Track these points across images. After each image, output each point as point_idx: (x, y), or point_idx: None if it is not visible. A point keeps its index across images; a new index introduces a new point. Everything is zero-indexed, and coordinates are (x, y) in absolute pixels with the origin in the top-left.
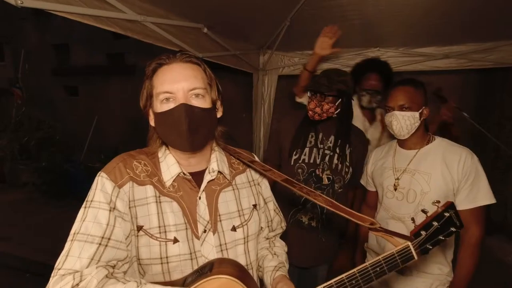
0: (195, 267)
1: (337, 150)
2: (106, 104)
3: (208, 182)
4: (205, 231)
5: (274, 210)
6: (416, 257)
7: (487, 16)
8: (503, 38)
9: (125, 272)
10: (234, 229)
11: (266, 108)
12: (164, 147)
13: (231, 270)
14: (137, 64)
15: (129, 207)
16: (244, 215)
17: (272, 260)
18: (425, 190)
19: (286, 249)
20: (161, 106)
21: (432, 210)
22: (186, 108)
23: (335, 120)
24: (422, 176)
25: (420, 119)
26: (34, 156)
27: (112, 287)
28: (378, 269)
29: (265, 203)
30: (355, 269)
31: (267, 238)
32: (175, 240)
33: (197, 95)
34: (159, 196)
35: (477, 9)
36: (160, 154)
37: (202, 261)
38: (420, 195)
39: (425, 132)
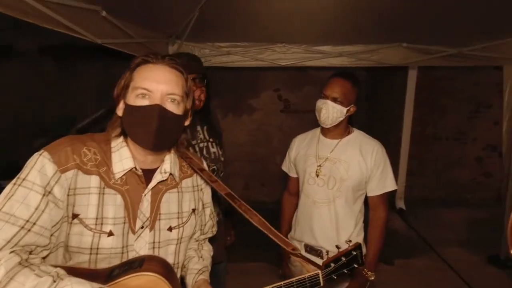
0: (124, 260)
1: (209, 137)
2: None
3: (158, 182)
4: (142, 227)
5: (210, 216)
6: (321, 284)
7: (371, 21)
8: (382, 42)
9: (44, 258)
10: (170, 229)
11: None
12: (121, 138)
13: (160, 269)
14: (15, 43)
15: (68, 195)
16: (183, 217)
17: (198, 263)
18: (343, 177)
19: (212, 253)
20: (135, 100)
21: (344, 246)
22: (160, 110)
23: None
24: (342, 165)
25: (345, 115)
26: None
27: (23, 278)
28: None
29: (203, 208)
30: (269, 287)
31: (197, 240)
32: (110, 233)
33: (173, 100)
34: (104, 188)
35: (364, 15)
36: (113, 144)
37: (132, 255)
38: (339, 182)
39: (347, 125)
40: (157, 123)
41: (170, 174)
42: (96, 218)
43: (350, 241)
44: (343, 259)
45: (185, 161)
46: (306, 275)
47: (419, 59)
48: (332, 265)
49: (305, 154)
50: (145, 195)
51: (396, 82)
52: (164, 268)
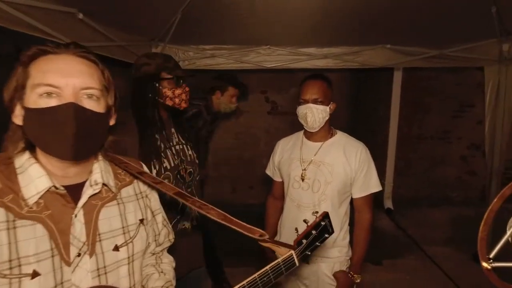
0: None
1: (183, 140)
2: None
3: (89, 197)
4: (79, 254)
5: (162, 223)
6: (297, 264)
7: (355, 23)
8: (365, 44)
9: None
10: (116, 248)
11: None
12: (26, 154)
13: None
14: None
15: None
16: (130, 231)
17: (159, 279)
18: (328, 180)
19: (174, 264)
20: (38, 101)
21: (311, 219)
22: (76, 109)
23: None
24: (326, 167)
25: (329, 113)
26: None
27: None
28: (265, 278)
29: (153, 216)
30: (244, 282)
31: (154, 254)
32: (35, 274)
33: (90, 96)
34: (14, 221)
35: (347, 17)
36: (17, 164)
37: None
38: (324, 185)
39: (330, 126)
40: (74, 126)
41: (104, 185)
42: (10, 261)
43: (316, 212)
44: (314, 232)
45: (120, 167)
46: (280, 260)
47: (403, 60)
48: (304, 241)
49: (289, 157)
50: (75, 216)
51: (380, 83)
52: None
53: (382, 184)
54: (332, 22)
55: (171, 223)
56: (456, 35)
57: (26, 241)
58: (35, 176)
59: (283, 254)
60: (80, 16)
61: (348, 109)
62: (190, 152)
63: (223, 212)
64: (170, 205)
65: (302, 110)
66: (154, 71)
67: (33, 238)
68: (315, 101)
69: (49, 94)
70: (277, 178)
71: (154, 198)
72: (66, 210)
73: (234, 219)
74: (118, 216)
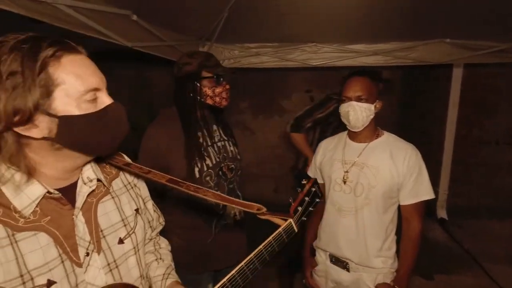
0: None
1: (225, 136)
2: None
3: (88, 194)
4: (87, 254)
5: (153, 209)
6: (296, 230)
7: (408, 16)
8: (420, 39)
9: None
10: (121, 241)
11: None
12: (3, 165)
13: None
14: None
15: None
16: (129, 223)
17: (159, 267)
18: (372, 184)
19: (169, 247)
20: (81, 106)
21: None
22: (123, 107)
23: (209, 108)
24: (370, 170)
25: (374, 112)
26: None
27: None
28: (269, 248)
29: (144, 204)
30: (251, 254)
31: (150, 239)
32: (50, 283)
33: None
34: (13, 235)
35: (399, 10)
36: None
37: None
38: (367, 189)
39: (375, 127)
40: (127, 122)
41: (99, 180)
42: (21, 276)
43: (304, 180)
44: (306, 198)
45: (104, 161)
46: (280, 229)
47: (465, 55)
48: (299, 208)
49: (331, 158)
50: (76, 217)
51: (437, 81)
52: None
53: (436, 191)
54: (382, 15)
55: (212, 224)
56: None
57: (31, 253)
58: (22, 185)
59: (281, 224)
60: (134, 17)
61: (398, 109)
62: (231, 148)
63: (219, 193)
64: (211, 208)
65: (344, 108)
66: (194, 70)
67: (39, 248)
68: (358, 99)
69: (94, 99)
70: (319, 180)
71: (142, 187)
72: (64, 212)
73: (231, 198)
74: (115, 210)
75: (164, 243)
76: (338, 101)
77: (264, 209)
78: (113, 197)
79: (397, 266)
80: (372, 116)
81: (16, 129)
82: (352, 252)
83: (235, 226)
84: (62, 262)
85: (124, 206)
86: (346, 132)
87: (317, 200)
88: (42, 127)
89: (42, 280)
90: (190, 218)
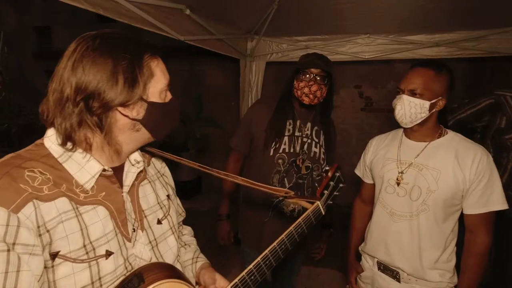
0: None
1: (315, 137)
2: None
3: (137, 174)
4: (134, 230)
5: (175, 196)
6: (323, 212)
7: (477, 3)
8: (492, 26)
9: None
10: (159, 222)
11: (253, 95)
12: (68, 144)
13: (166, 272)
14: None
15: (39, 234)
16: (165, 206)
17: (187, 252)
18: (432, 188)
19: (192, 233)
20: (162, 96)
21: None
22: (180, 101)
23: (312, 106)
24: (431, 173)
25: (430, 111)
26: (15, 144)
27: None
28: (299, 230)
29: (172, 191)
30: (283, 235)
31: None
32: (108, 254)
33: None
34: (77, 208)
35: None
36: (56, 154)
37: (137, 264)
38: (425, 193)
39: (438, 124)
40: (179, 115)
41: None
42: (85, 246)
43: (327, 166)
44: (331, 183)
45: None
46: (309, 211)
47: None
48: (325, 192)
49: (384, 157)
50: (125, 194)
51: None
52: (169, 270)
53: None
54: (446, 2)
55: (270, 205)
56: None
57: (93, 225)
58: (82, 162)
59: (309, 206)
60: (187, 12)
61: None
62: (316, 150)
63: (248, 180)
64: (260, 205)
65: (395, 100)
66: (297, 64)
67: (99, 220)
68: (411, 93)
69: (166, 91)
70: (368, 180)
71: (170, 176)
72: (115, 189)
73: (260, 183)
74: (152, 193)
75: (186, 230)
76: (497, 96)
77: (292, 193)
78: (149, 182)
79: (456, 281)
80: (425, 115)
81: (120, 109)
82: (404, 261)
83: (289, 218)
84: (116, 235)
85: (159, 191)
86: (402, 129)
87: (341, 185)
88: (135, 109)
89: (102, 251)
90: (253, 196)
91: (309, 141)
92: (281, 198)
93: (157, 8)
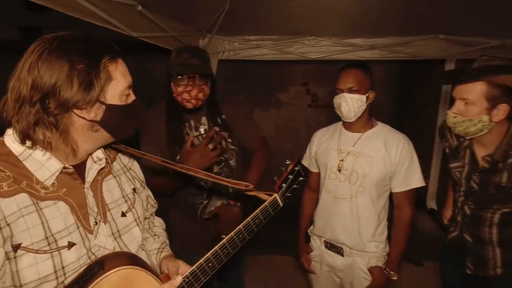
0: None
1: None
2: None
3: (100, 170)
4: (96, 223)
5: (144, 188)
6: (281, 204)
7: (406, 12)
8: (415, 34)
9: None
10: (123, 214)
11: None
12: (19, 145)
13: (126, 260)
14: None
15: (0, 228)
16: (130, 199)
17: (154, 242)
18: (366, 172)
19: (164, 226)
20: (122, 98)
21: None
22: (141, 103)
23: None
24: (365, 159)
25: (366, 103)
26: None
27: None
28: (257, 220)
29: (141, 184)
30: (240, 225)
31: (145, 218)
32: (71, 245)
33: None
34: (37, 203)
35: (397, 5)
36: (17, 152)
37: (100, 254)
38: (362, 177)
39: (370, 117)
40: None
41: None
42: (46, 238)
43: (288, 160)
44: (290, 176)
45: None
46: (266, 203)
47: (458, 51)
48: (284, 185)
49: (327, 148)
50: (87, 189)
51: (431, 76)
52: (129, 258)
53: (426, 183)
54: (380, 10)
55: (199, 207)
56: None
57: (54, 218)
58: (42, 160)
59: (267, 198)
60: (139, 8)
61: (393, 104)
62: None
63: (208, 173)
64: (195, 190)
65: (336, 100)
66: (168, 65)
67: (59, 215)
68: (350, 90)
69: (128, 94)
70: (314, 169)
71: (138, 169)
72: (77, 185)
73: (221, 177)
74: (117, 188)
75: (158, 221)
76: None
77: (252, 186)
78: (114, 177)
79: (388, 250)
80: (364, 107)
81: (76, 111)
82: (347, 237)
83: (214, 222)
84: (78, 228)
85: (124, 185)
86: (341, 123)
87: (301, 178)
88: (93, 111)
89: (64, 242)
90: (183, 197)
91: None
92: (205, 203)
93: (109, 3)
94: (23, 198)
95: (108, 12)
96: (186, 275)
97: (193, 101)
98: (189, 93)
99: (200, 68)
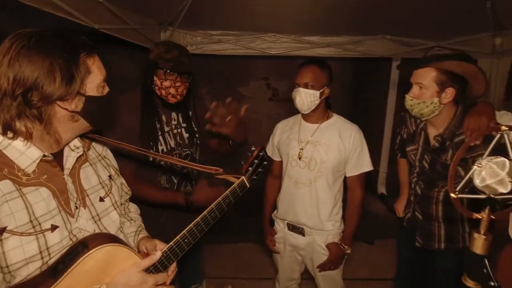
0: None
1: (182, 123)
2: None
3: (76, 159)
4: (76, 207)
5: (121, 180)
6: (248, 186)
7: (358, 13)
8: (366, 34)
9: None
10: (101, 199)
11: None
12: (9, 133)
13: (108, 239)
14: (6, 31)
15: None
16: (106, 185)
17: (131, 226)
18: (324, 159)
19: (139, 211)
20: (99, 90)
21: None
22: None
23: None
24: (322, 147)
25: (320, 98)
26: None
27: None
28: (227, 200)
29: (115, 171)
30: (212, 205)
31: (121, 204)
32: (54, 227)
33: None
34: (20, 189)
35: (351, 7)
36: None
37: (81, 236)
38: (319, 163)
39: (326, 109)
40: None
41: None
42: (31, 221)
43: (253, 146)
44: (256, 161)
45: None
46: (235, 184)
47: (401, 51)
48: (250, 168)
49: (288, 138)
50: (67, 176)
51: (381, 73)
52: (111, 238)
53: (376, 170)
54: (336, 11)
55: (174, 187)
56: (452, 28)
57: (37, 203)
58: (22, 148)
59: (235, 181)
60: None
61: (348, 98)
62: (186, 135)
63: (181, 160)
64: (170, 172)
65: (293, 93)
66: (153, 58)
67: (42, 200)
68: (305, 85)
69: (104, 86)
70: (276, 158)
71: (112, 157)
72: (56, 172)
73: (192, 163)
74: (94, 175)
75: (133, 207)
76: None
77: (221, 170)
78: (91, 164)
79: (343, 228)
80: (317, 101)
81: (59, 103)
82: (307, 218)
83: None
84: (60, 212)
85: (100, 172)
86: (300, 115)
87: (265, 162)
88: (74, 103)
89: (47, 225)
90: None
91: (179, 129)
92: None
93: None
94: (6, 184)
95: (68, 3)
96: (164, 250)
97: (178, 96)
98: (176, 89)
99: (190, 66)
